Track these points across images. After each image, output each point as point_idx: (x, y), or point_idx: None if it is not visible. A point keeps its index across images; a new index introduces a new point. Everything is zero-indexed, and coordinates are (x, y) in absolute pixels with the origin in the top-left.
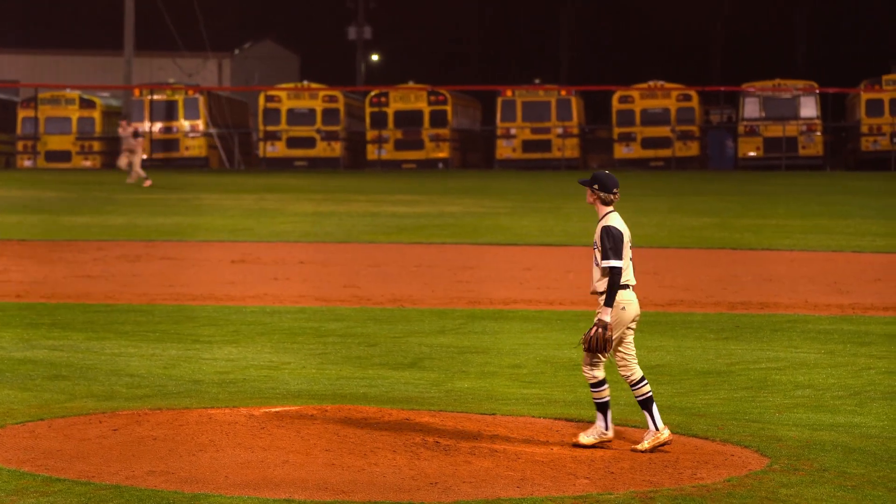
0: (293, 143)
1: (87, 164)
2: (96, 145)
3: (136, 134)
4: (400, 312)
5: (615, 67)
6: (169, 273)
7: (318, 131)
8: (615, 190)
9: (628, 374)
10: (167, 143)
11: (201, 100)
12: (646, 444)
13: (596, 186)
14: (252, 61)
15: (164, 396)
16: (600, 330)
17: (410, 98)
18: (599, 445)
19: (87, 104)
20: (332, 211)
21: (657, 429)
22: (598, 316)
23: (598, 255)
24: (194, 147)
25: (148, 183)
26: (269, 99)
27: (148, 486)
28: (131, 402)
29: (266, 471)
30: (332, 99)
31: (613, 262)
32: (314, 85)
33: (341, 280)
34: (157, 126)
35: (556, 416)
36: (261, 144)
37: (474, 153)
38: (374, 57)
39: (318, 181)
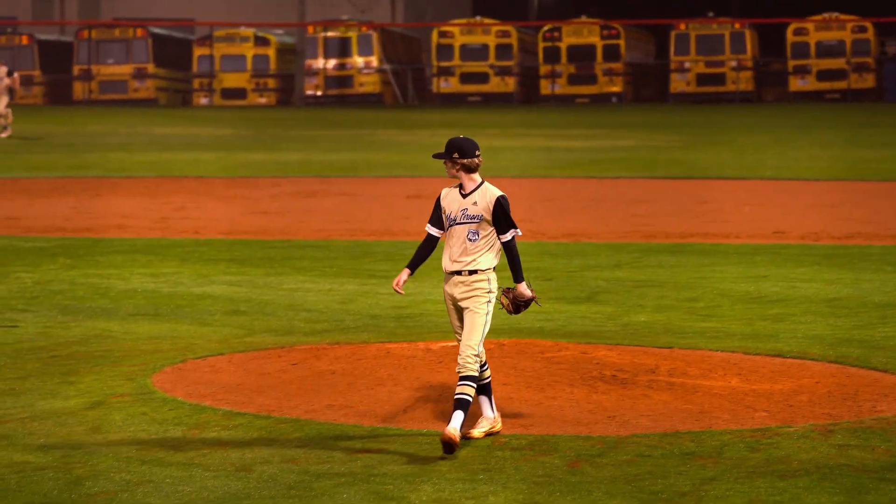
0: (466, 78)
1: (262, 101)
2: (271, 82)
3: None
4: (575, 247)
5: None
6: (344, 209)
7: (492, 66)
8: (477, 153)
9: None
10: (341, 79)
11: (375, 36)
12: (482, 431)
13: (456, 155)
14: None
15: (342, 331)
16: (525, 292)
17: (583, 32)
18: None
19: (261, 42)
20: (506, 146)
21: (494, 415)
22: (520, 291)
23: (481, 230)
24: (368, 83)
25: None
26: (442, 35)
27: (327, 420)
28: (310, 337)
29: (444, 405)
30: (505, 34)
31: (518, 231)
32: (487, 20)
33: (516, 215)
34: (332, 63)
35: (733, 350)
36: (434, 80)
37: (647, 87)
38: None
39: (492, 116)
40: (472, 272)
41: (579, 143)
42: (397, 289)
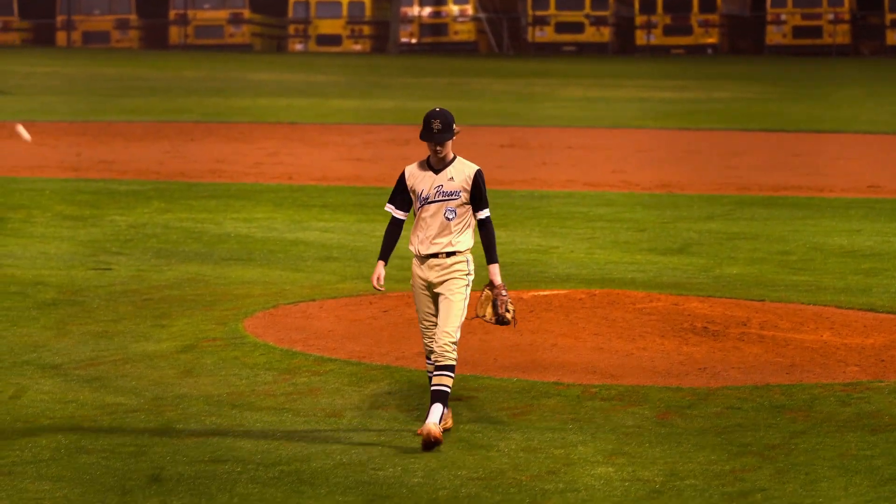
0: (562, 27)
1: (357, 47)
2: (366, 29)
3: None
4: (668, 198)
5: None
6: None
7: (587, 16)
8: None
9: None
10: (436, 27)
11: None
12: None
13: (457, 129)
14: None
15: None
16: (503, 294)
17: None
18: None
19: None
20: (601, 96)
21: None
22: (495, 280)
23: (457, 208)
24: (463, 32)
25: None
26: None
27: (417, 368)
28: (401, 284)
29: (535, 354)
30: None
31: (489, 211)
32: None
33: (609, 165)
34: (427, 10)
35: (825, 304)
36: (529, 29)
37: (743, 39)
38: None
39: (587, 66)
40: (450, 254)
41: (674, 95)
42: (377, 286)
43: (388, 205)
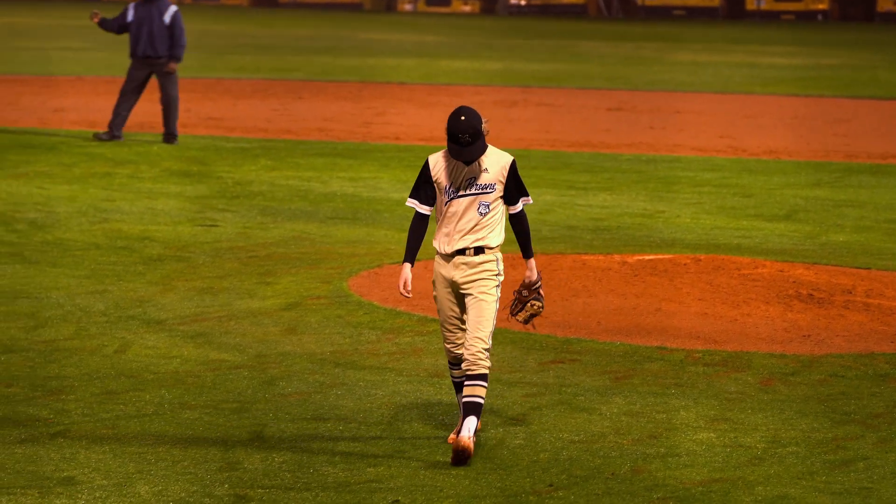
0: None
1: (467, 8)
2: None
3: None
4: (775, 164)
5: None
6: (544, 119)
7: None
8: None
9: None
10: None
11: None
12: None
13: (486, 124)
14: None
15: (539, 241)
16: (540, 291)
17: None
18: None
19: None
20: (710, 61)
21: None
22: (531, 277)
23: (488, 200)
24: None
25: None
26: None
27: (520, 329)
28: (506, 246)
29: (638, 318)
30: None
31: (529, 198)
32: None
33: (717, 130)
34: None
35: None
36: None
37: (854, 6)
38: None
39: (697, 30)
40: (478, 250)
41: (783, 60)
42: (405, 293)
43: (409, 199)
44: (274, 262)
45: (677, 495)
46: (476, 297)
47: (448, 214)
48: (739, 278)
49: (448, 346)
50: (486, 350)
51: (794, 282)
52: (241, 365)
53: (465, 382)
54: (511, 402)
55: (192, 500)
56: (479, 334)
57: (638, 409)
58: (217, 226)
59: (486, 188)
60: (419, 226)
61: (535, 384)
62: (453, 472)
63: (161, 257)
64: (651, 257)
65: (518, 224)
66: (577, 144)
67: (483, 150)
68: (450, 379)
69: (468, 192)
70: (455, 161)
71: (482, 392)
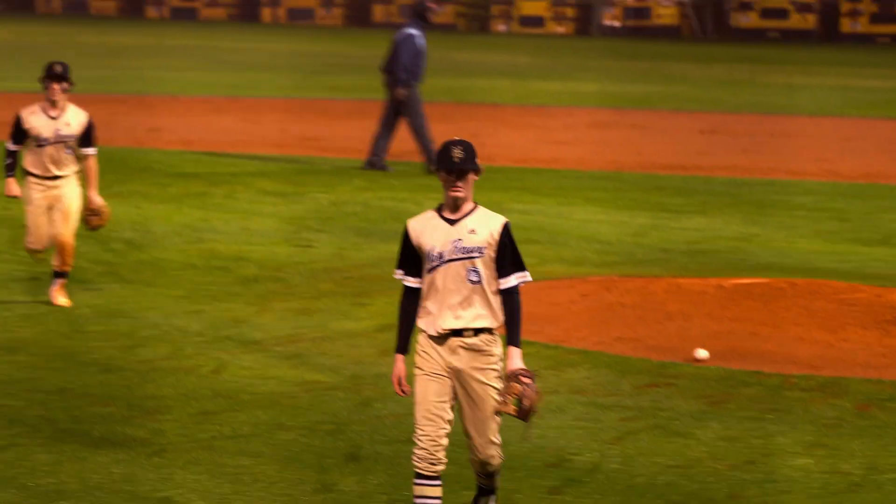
0: (767, 13)
1: (561, 29)
2: (570, 11)
3: None
4: (871, 188)
5: None
6: (637, 141)
7: (792, 2)
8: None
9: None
10: (639, 10)
11: None
12: None
13: (481, 166)
14: None
15: (633, 264)
16: (531, 384)
17: None
18: None
19: None
20: (804, 83)
21: None
22: (514, 366)
23: (483, 268)
24: (666, 15)
25: None
26: None
27: (615, 352)
28: (600, 269)
29: (734, 342)
30: None
31: (527, 274)
32: None
33: (811, 153)
34: None
35: None
36: (733, 14)
37: None
38: None
39: (791, 53)
40: (478, 331)
41: (879, 83)
42: (401, 391)
43: (396, 271)
44: (368, 282)
45: None
46: (477, 394)
47: (434, 285)
48: (836, 303)
49: (422, 445)
50: (498, 448)
51: (891, 307)
52: (337, 386)
53: (482, 480)
54: (606, 425)
55: None
56: (490, 436)
57: (734, 434)
58: (312, 246)
59: (473, 252)
60: (410, 304)
61: (631, 408)
62: (549, 497)
63: (257, 278)
64: (747, 281)
65: (508, 304)
66: (670, 167)
67: (472, 170)
68: (544, 401)
69: (454, 256)
70: (438, 221)
71: (498, 483)
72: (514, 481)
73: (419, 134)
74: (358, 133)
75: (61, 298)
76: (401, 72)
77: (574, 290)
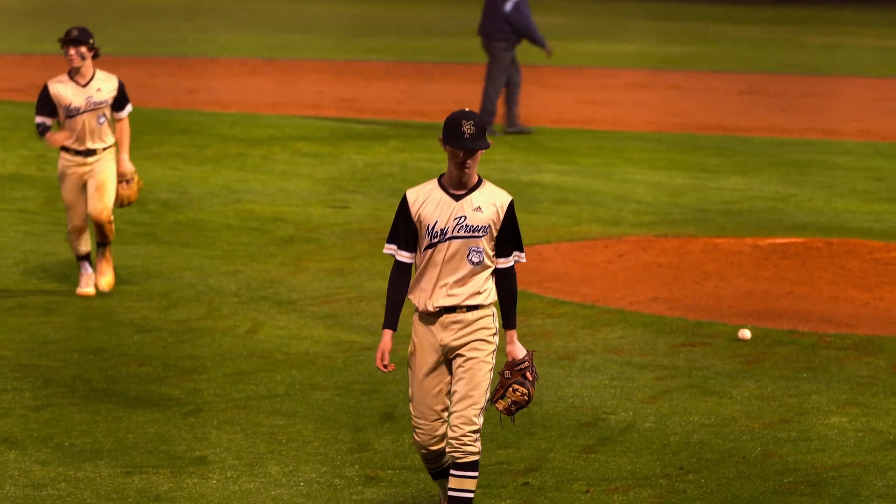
0: None
1: None
2: None
3: None
4: None
5: None
6: (675, 101)
7: None
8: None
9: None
10: None
11: None
12: None
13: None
14: None
15: (670, 224)
16: (532, 368)
17: None
18: None
19: None
20: (842, 44)
21: None
22: (517, 354)
23: (488, 245)
24: None
25: None
26: None
27: (651, 312)
28: (637, 229)
29: (770, 302)
30: None
31: (523, 255)
32: None
33: (848, 113)
34: None
35: None
36: None
37: None
38: None
39: (828, 13)
40: (472, 308)
41: None
42: (383, 367)
43: (387, 245)
44: None
45: (808, 479)
46: (468, 365)
47: (430, 262)
48: (871, 262)
49: (420, 439)
50: (476, 432)
51: None
52: (372, 346)
53: (451, 472)
54: (641, 384)
55: (322, 480)
56: (467, 412)
57: (769, 393)
58: (347, 207)
59: (478, 231)
60: (400, 280)
61: (666, 367)
62: (582, 455)
63: (292, 238)
64: (783, 241)
65: (506, 285)
66: (708, 127)
67: (484, 147)
68: (580, 361)
69: (457, 234)
70: (441, 194)
71: (472, 485)
72: (548, 440)
73: (489, 94)
74: (394, 94)
75: (102, 280)
76: (535, 35)
77: (610, 251)
